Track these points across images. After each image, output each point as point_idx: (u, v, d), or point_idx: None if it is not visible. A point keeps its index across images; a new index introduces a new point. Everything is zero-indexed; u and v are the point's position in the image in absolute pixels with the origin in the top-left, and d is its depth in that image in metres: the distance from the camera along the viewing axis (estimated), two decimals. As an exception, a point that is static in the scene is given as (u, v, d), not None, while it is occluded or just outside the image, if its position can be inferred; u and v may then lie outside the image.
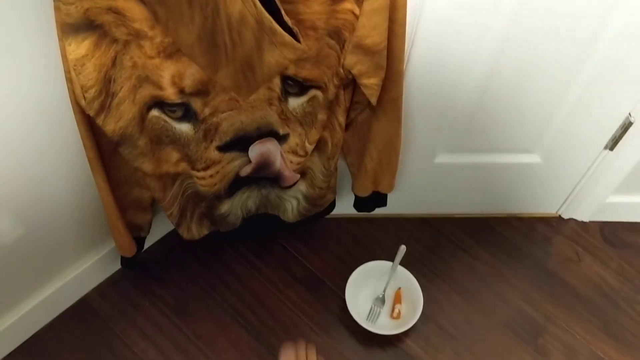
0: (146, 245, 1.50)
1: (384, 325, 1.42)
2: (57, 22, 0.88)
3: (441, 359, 1.41)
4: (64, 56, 0.91)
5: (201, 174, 1.20)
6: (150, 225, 1.36)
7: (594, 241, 1.64)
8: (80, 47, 0.90)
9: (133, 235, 1.31)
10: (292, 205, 1.37)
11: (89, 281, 1.45)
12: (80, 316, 1.42)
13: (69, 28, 0.88)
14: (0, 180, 1.08)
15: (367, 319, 1.42)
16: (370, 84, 1.07)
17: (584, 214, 1.65)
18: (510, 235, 1.64)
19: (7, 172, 1.08)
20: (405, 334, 1.42)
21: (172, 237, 1.56)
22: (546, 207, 1.66)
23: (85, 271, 1.40)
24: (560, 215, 1.69)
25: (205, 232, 1.39)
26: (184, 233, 1.36)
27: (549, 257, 1.60)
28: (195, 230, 1.37)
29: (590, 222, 1.68)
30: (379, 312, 1.44)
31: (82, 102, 0.96)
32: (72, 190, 1.23)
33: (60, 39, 0.90)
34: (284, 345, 0.91)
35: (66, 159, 1.17)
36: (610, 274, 1.58)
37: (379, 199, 1.40)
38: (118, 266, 1.48)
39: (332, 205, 1.44)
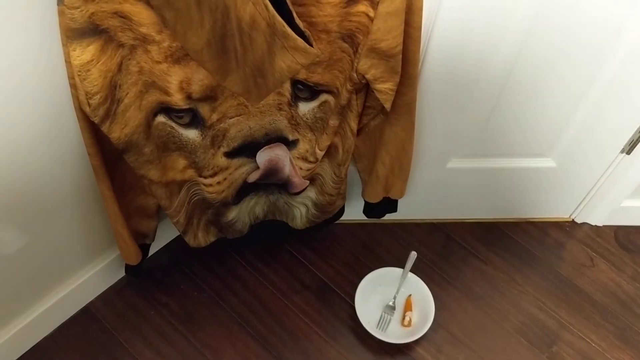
0: (151, 252, 1.47)
1: (394, 334, 1.39)
2: (61, 27, 0.85)
3: (453, 368, 1.38)
4: (68, 62, 0.88)
5: (208, 180, 1.17)
6: (156, 232, 1.33)
7: (608, 246, 1.61)
8: (85, 52, 0.87)
9: (138, 243, 1.28)
10: (300, 212, 1.33)
11: (93, 289, 1.41)
12: (83, 325, 1.39)
13: (73, 33, 0.85)
14: (3, 188, 1.05)
15: (377, 327, 1.39)
16: (385, 88, 1.03)
17: (598, 219, 1.62)
18: (522, 240, 1.61)
19: (10, 181, 1.05)
20: (416, 341, 1.39)
21: (177, 244, 1.53)
22: (559, 211, 1.63)
23: (89, 279, 1.37)
24: (573, 220, 1.65)
25: (212, 239, 1.36)
26: (190, 241, 1.32)
27: (562, 263, 1.57)
28: (201, 238, 1.33)
29: (605, 226, 1.64)
30: (390, 319, 1.41)
31: (87, 109, 0.93)
32: (76, 197, 1.20)
33: (65, 44, 0.86)
34: None
35: (70, 165, 1.14)
36: (625, 280, 1.55)
37: (390, 204, 1.36)
38: (122, 274, 1.45)
39: (342, 211, 1.41)
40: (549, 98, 1.24)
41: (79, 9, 0.82)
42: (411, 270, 1.43)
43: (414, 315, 1.41)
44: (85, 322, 1.39)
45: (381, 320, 1.41)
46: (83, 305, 1.41)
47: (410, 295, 1.44)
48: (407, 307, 1.42)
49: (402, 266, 1.43)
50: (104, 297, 1.43)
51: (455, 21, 1.06)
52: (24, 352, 1.33)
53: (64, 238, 1.25)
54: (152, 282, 1.47)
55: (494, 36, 1.09)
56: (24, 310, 1.28)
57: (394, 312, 1.42)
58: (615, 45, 1.13)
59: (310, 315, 1.44)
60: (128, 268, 1.33)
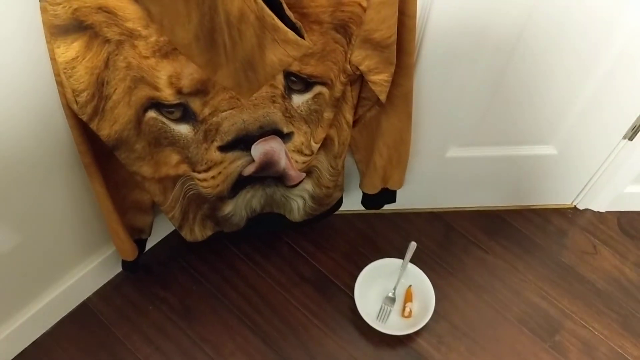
0: (148, 246, 1.46)
1: (394, 325, 1.37)
2: (44, 23, 0.82)
3: (454, 358, 1.36)
4: (53, 59, 0.86)
5: (202, 175, 1.15)
6: (152, 227, 1.31)
7: (611, 233, 1.59)
8: (69, 49, 0.84)
9: (134, 238, 1.27)
10: (298, 204, 1.32)
11: (90, 285, 1.40)
12: (81, 322, 1.38)
13: (57, 30, 0.82)
14: (-7, 187, 1.03)
15: (377, 319, 1.38)
16: (380, 80, 1.01)
17: (600, 205, 1.60)
18: (524, 228, 1.59)
19: (1, 180, 1.03)
20: (417, 332, 1.38)
21: (174, 238, 1.51)
22: (561, 198, 1.60)
23: (86, 275, 1.36)
24: (576, 206, 1.63)
25: (208, 233, 1.34)
26: (186, 235, 1.31)
27: (564, 250, 1.55)
28: (198, 232, 1.32)
29: (607, 213, 1.62)
30: (390, 311, 1.40)
31: (74, 107, 0.91)
32: (69, 194, 1.19)
33: (49, 42, 0.84)
34: None
35: (62, 163, 1.12)
36: (629, 267, 1.53)
37: (388, 195, 1.34)
38: (120, 269, 1.44)
39: (340, 202, 1.39)
40: (549, 84, 1.21)
41: (61, 5, 0.80)
42: (411, 261, 1.41)
43: (414, 306, 1.40)
44: (83, 318, 1.38)
45: (381, 311, 1.39)
46: (81, 302, 1.40)
47: (410, 286, 1.42)
48: (407, 298, 1.41)
49: (402, 257, 1.41)
50: (101, 293, 1.42)
51: (451, 8, 1.03)
52: (22, 349, 1.32)
53: (60, 235, 1.24)
54: (150, 276, 1.45)
55: (491, 23, 1.06)
56: (22, 307, 1.27)
57: (394, 304, 1.41)
58: (617, 30, 1.11)
59: (310, 307, 1.43)
60: (125, 264, 1.32)
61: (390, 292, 1.42)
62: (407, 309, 1.39)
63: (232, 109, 1.04)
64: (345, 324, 1.40)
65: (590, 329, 1.42)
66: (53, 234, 1.22)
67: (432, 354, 1.37)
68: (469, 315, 1.43)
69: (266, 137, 1.11)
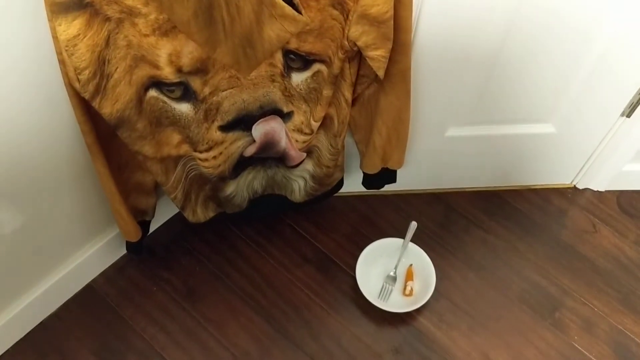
0: (151, 229, 1.47)
1: (396, 303, 1.39)
2: (45, 1, 0.83)
3: (455, 336, 1.38)
4: (54, 37, 0.87)
5: (204, 155, 1.16)
6: (155, 208, 1.33)
7: (610, 211, 1.60)
8: (70, 27, 0.86)
9: (137, 220, 1.28)
10: (299, 185, 1.33)
11: (95, 267, 1.42)
12: (86, 303, 1.39)
13: (58, 7, 0.84)
14: (-2, 169, 1.05)
15: (378, 297, 1.39)
16: (377, 56, 1.02)
17: (600, 184, 1.61)
18: (523, 208, 1.60)
19: (4, 161, 1.05)
20: (418, 311, 1.39)
21: (178, 220, 1.53)
22: (561, 177, 1.61)
23: (90, 257, 1.38)
24: (575, 186, 1.64)
25: (211, 214, 1.36)
26: (189, 216, 1.32)
27: (564, 229, 1.56)
28: (200, 213, 1.33)
29: (607, 191, 1.63)
30: (391, 290, 1.41)
31: (77, 85, 0.92)
32: (73, 175, 1.20)
33: (50, 20, 0.85)
34: None
35: (64, 143, 1.13)
36: (628, 245, 1.54)
37: (389, 175, 1.35)
38: (124, 251, 1.46)
39: (340, 183, 1.40)
40: (547, 62, 1.22)
41: (62, -18, 0.81)
42: (412, 241, 1.42)
43: (415, 285, 1.41)
44: (88, 300, 1.40)
45: (383, 290, 1.41)
46: (86, 283, 1.42)
47: (411, 265, 1.44)
48: (409, 277, 1.42)
49: (403, 237, 1.43)
50: (106, 275, 1.44)
51: (448, -15, 1.04)
52: (28, 330, 1.34)
53: (63, 216, 1.25)
54: (154, 258, 1.47)
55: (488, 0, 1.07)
56: (28, 288, 1.29)
57: (395, 282, 1.42)
58: (614, 6, 1.11)
59: (313, 288, 1.44)
60: (128, 245, 1.33)
61: (392, 271, 1.43)
62: (409, 287, 1.40)
63: (232, 88, 1.05)
64: (347, 304, 1.42)
65: (591, 306, 1.43)
66: (57, 216, 1.24)
67: (432, 331, 1.38)
68: (469, 294, 1.44)
69: (267, 117, 1.12)
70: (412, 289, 1.40)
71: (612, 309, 1.43)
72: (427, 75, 1.22)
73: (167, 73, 0.97)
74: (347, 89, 1.11)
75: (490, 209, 1.59)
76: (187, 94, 1.03)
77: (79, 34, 0.87)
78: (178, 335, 1.36)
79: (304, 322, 1.39)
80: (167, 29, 0.92)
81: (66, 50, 0.88)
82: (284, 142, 1.18)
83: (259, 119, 1.12)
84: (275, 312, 1.40)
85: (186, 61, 0.97)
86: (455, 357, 1.35)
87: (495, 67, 1.22)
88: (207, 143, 1.13)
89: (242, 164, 1.23)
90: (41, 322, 1.36)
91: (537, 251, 1.52)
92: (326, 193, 1.40)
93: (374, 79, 1.12)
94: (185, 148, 1.15)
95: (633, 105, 1.34)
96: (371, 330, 1.38)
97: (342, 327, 1.38)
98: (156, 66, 0.96)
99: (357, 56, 1.07)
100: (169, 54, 0.95)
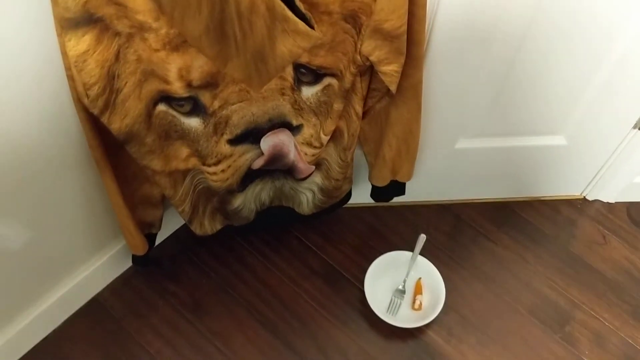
0: (158, 241, 1.46)
1: (405, 318, 1.37)
2: (55, 17, 0.82)
3: (464, 350, 1.36)
4: (63, 53, 0.86)
5: (212, 169, 1.15)
6: (162, 221, 1.31)
7: (620, 223, 1.58)
8: (80, 42, 0.84)
9: (144, 233, 1.27)
10: (307, 197, 1.31)
11: (100, 280, 1.41)
12: (92, 317, 1.38)
13: (67, 23, 0.82)
14: (6, 183, 1.03)
15: (387, 311, 1.38)
16: (390, 70, 1.00)
17: (610, 195, 1.59)
18: (533, 219, 1.58)
19: (12, 175, 1.03)
20: (427, 325, 1.38)
21: (184, 232, 1.52)
22: (570, 188, 1.60)
23: (96, 270, 1.37)
24: (585, 197, 1.63)
25: (218, 227, 1.34)
26: (196, 229, 1.31)
27: (574, 241, 1.55)
28: (208, 226, 1.32)
29: (617, 202, 1.62)
30: (400, 303, 1.40)
31: (85, 101, 0.91)
32: (79, 188, 1.19)
33: (59, 35, 0.84)
34: None
35: (72, 158, 1.12)
36: (639, 257, 1.52)
37: (398, 188, 1.34)
38: (130, 264, 1.44)
39: (349, 195, 1.39)
40: (559, 74, 1.21)
41: (72, -2, 0.80)
42: (421, 253, 1.41)
43: (424, 299, 1.40)
44: (94, 313, 1.39)
45: (391, 304, 1.39)
46: (92, 297, 1.40)
47: (420, 278, 1.42)
48: (417, 290, 1.41)
49: (412, 249, 1.41)
50: (112, 288, 1.42)
51: (461, -2, 1.03)
52: (34, 344, 1.33)
53: (70, 230, 1.24)
54: (160, 271, 1.46)
55: (500, 13, 1.06)
56: (34, 302, 1.28)
57: (404, 296, 1.41)
58: (627, 20, 1.10)
59: (320, 301, 1.43)
60: (135, 258, 1.32)
61: (400, 284, 1.42)
62: (417, 302, 1.39)
63: (241, 101, 1.03)
64: (355, 317, 1.40)
65: (601, 319, 1.42)
66: (63, 229, 1.22)
67: (442, 346, 1.37)
68: (478, 307, 1.43)
69: (275, 130, 1.11)
70: (421, 303, 1.39)
71: (622, 322, 1.41)
72: (437, 87, 1.21)
73: (177, 88, 0.96)
74: (358, 103, 1.10)
75: (499, 220, 1.58)
76: (196, 108, 1.02)
77: (89, 50, 0.86)
78: (184, 349, 1.34)
79: (310, 335, 1.37)
80: (178, 44, 0.90)
81: (75, 66, 0.86)
82: (292, 155, 1.17)
83: (268, 131, 1.11)
84: (282, 324, 1.39)
85: (196, 76, 0.95)
86: (465, 372, 1.34)
87: (507, 79, 1.21)
88: (215, 156, 1.12)
89: (250, 177, 1.21)
90: (47, 336, 1.34)
91: (546, 263, 1.50)
92: (334, 205, 1.38)
93: (385, 93, 1.11)
94: (193, 161, 1.13)
95: (645, 117, 1.33)
96: (379, 344, 1.37)
97: (350, 340, 1.37)
98: (166, 81, 0.95)
99: (368, 70, 1.05)
100: (179, 69, 0.93)
